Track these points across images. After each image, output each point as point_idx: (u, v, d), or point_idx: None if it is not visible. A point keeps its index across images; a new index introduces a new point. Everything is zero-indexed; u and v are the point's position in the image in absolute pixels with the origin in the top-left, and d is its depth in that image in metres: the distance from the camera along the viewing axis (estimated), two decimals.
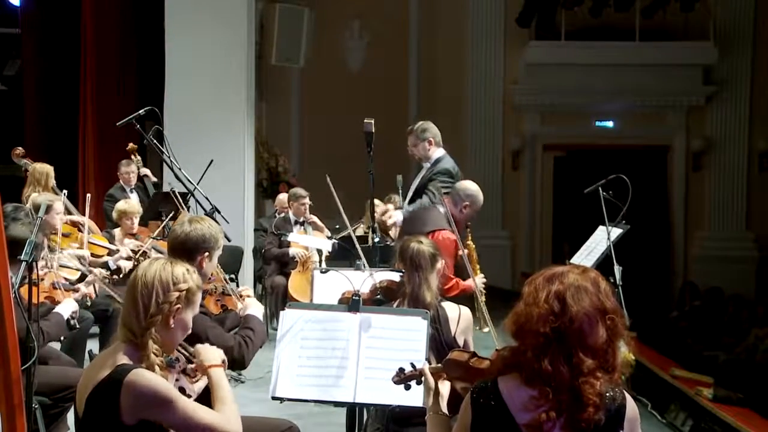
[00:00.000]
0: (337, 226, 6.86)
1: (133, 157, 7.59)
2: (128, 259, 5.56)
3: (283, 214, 7.94)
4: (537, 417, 1.96)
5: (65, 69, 9.72)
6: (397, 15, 12.55)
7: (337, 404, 3.00)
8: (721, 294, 10.46)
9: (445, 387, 2.33)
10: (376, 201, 5.72)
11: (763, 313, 9.22)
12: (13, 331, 2.18)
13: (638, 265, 7.62)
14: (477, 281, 4.53)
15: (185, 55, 7.99)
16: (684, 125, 12.71)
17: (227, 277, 4.78)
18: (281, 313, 2.95)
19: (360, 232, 6.64)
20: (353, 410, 3.10)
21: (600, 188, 4.58)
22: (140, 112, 5.24)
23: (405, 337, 2.84)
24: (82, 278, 4.82)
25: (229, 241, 4.34)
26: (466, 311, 3.44)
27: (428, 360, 2.80)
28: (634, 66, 12.05)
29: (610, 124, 12.92)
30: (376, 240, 4.51)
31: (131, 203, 6.51)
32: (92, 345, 5.38)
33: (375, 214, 4.89)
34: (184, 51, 7.99)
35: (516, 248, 12.79)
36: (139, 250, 5.51)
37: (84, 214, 5.96)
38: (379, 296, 3.48)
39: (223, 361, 2.60)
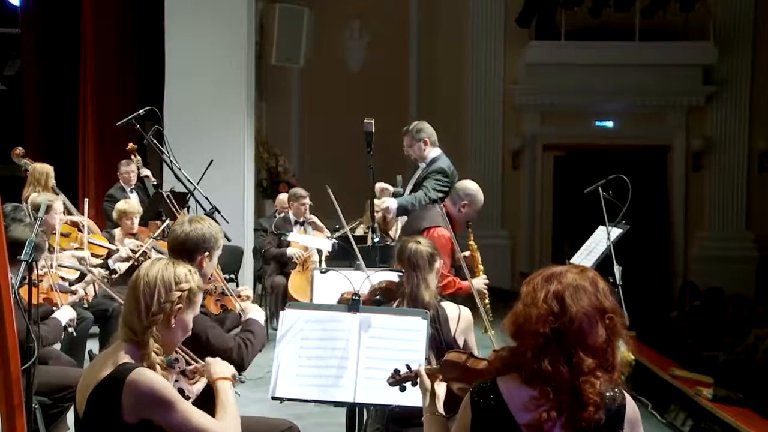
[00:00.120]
0: (337, 226, 6.86)
1: (133, 157, 7.59)
2: (128, 259, 5.56)
3: (283, 214, 7.95)
4: (537, 417, 1.97)
5: (65, 69, 9.72)
6: (397, 15, 12.55)
7: (337, 404, 2.99)
8: (721, 294, 10.44)
9: (441, 388, 2.34)
10: (377, 201, 5.71)
11: (763, 313, 9.20)
12: (13, 332, 2.18)
13: (638, 265, 7.62)
14: (475, 283, 4.50)
15: (185, 55, 7.99)
16: (684, 125, 12.70)
17: (226, 277, 4.78)
18: (281, 313, 2.95)
19: (360, 231, 6.64)
20: (353, 410, 3.10)
21: (600, 188, 4.58)
22: (140, 112, 5.23)
23: (405, 337, 2.84)
24: (81, 278, 4.82)
25: (229, 241, 4.34)
26: (466, 311, 3.44)
27: (428, 360, 2.80)
28: (634, 66, 12.04)
29: (610, 124, 12.91)
30: (376, 240, 4.50)
31: (131, 203, 6.50)
32: (92, 345, 5.38)
33: (375, 215, 4.88)
34: (184, 51, 7.98)
35: (516, 248, 12.79)
36: (139, 250, 5.51)
37: (83, 214, 5.96)
38: (378, 297, 3.48)
39: (233, 376, 2.61)
